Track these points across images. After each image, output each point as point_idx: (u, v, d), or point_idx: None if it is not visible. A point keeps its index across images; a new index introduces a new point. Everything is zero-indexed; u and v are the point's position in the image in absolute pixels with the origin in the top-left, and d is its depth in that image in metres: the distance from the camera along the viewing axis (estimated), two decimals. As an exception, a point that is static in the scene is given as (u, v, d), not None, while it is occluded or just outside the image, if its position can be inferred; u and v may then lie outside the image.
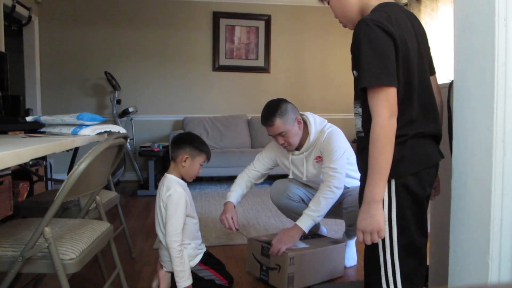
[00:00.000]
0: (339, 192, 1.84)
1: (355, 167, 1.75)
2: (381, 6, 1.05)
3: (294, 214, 2.14)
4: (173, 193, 1.59)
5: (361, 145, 1.09)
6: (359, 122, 1.12)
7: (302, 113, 2.01)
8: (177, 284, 1.56)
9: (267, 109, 1.92)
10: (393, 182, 1.01)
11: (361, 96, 1.06)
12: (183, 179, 1.71)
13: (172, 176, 1.68)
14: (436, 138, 1.10)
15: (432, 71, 1.17)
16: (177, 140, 1.72)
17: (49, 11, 4.69)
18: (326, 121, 2.05)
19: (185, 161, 1.66)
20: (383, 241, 1.02)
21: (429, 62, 1.14)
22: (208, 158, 1.74)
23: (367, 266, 1.12)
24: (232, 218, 1.94)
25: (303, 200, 2.13)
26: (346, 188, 1.95)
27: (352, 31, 1.07)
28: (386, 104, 0.96)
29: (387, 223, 1.01)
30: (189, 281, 1.58)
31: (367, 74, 0.97)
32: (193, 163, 1.68)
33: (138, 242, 2.52)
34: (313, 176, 2.03)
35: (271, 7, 5.17)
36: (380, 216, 0.98)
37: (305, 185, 2.15)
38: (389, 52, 0.97)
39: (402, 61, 0.99)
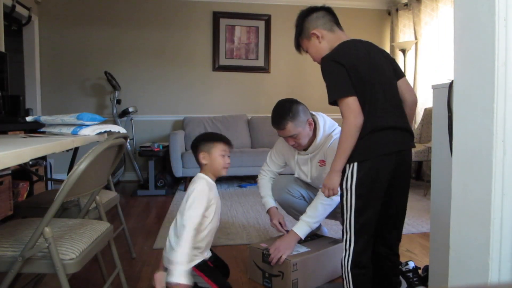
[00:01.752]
0: (337, 199, 1.83)
1: None
2: (335, 48, 1.46)
3: (293, 210, 2.14)
4: (197, 187, 1.56)
5: None
6: None
7: (313, 113, 1.98)
8: (169, 276, 1.43)
9: (278, 111, 1.88)
10: (354, 164, 1.37)
11: None
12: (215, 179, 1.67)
13: (201, 174, 1.65)
14: (399, 129, 1.42)
15: (399, 75, 1.52)
16: (192, 144, 1.70)
17: (49, 11, 4.69)
18: (336, 124, 2.00)
19: (204, 158, 1.64)
20: (347, 204, 1.41)
21: (394, 70, 1.51)
22: (228, 145, 1.68)
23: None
24: (280, 222, 2.02)
25: (303, 197, 2.12)
26: None
27: None
28: (348, 109, 1.35)
29: (349, 191, 1.39)
30: (183, 278, 1.42)
31: (331, 92, 1.39)
32: (211, 156, 1.64)
33: (138, 242, 2.52)
34: (315, 179, 2.02)
35: (271, 7, 5.18)
36: (337, 181, 1.40)
37: (308, 185, 2.14)
38: (342, 75, 1.37)
39: (354, 78, 1.36)
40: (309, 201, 2.09)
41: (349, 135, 1.35)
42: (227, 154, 1.67)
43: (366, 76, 1.38)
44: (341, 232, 2.08)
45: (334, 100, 1.38)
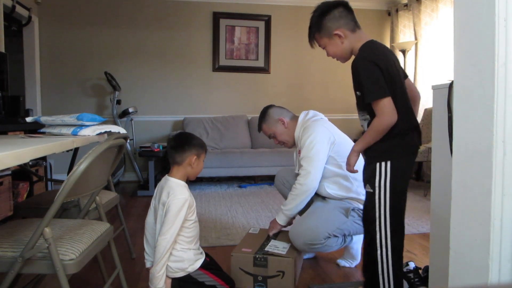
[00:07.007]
0: (302, 188, 1.93)
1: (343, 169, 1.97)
2: (365, 47, 1.48)
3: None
4: (178, 201, 1.55)
5: None
6: (366, 125, 1.52)
7: (304, 111, 2.10)
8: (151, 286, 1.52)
9: (258, 117, 2.17)
10: (388, 163, 1.43)
11: (367, 107, 1.47)
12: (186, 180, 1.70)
13: (176, 180, 1.64)
14: (418, 129, 1.51)
15: (405, 75, 1.58)
16: (180, 143, 1.68)
17: (49, 11, 4.69)
18: (320, 115, 2.08)
19: (193, 161, 1.66)
20: (380, 201, 1.45)
21: (402, 72, 1.55)
22: (206, 153, 1.77)
23: (364, 225, 1.55)
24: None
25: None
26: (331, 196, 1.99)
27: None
28: (383, 109, 1.39)
29: (383, 189, 1.44)
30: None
31: (369, 94, 1.40)
32: (199, 162, 1.70)
33: (138, 242, 2.52)
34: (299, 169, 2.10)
35: (271, 7, 5.18)
36: (354, 159, 1.51)
37: None
38: (379, 76, 1.39)
39: (387, 79, 1.40)
40: None
41: (379, 129, 1.41)
42: None
43: (395, 77, 1.43)
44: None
45: (371, 101, 1.42)
